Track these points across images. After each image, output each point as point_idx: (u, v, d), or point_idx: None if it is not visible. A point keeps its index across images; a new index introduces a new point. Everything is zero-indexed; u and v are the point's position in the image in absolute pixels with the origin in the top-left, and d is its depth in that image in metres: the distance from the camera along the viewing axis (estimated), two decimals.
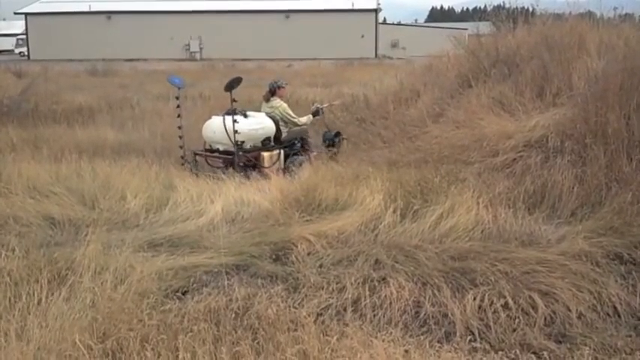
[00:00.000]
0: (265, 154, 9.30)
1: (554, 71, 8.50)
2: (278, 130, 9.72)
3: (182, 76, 11.26)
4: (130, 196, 6.93)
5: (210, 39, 48.73)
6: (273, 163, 9.27)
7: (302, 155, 9.64)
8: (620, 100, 7.04)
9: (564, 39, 9.21)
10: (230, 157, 9.18)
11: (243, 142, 9.20)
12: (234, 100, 9.25)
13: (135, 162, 8.52)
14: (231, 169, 8.89)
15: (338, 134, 10.34)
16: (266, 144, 9.49)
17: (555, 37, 9.40)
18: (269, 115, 9.76)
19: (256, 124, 9.41)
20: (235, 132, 9.00)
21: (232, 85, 9.32)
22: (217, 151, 9.43)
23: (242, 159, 9.12)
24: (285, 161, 9.54)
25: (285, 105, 9.95)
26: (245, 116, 9.42)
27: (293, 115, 9.92)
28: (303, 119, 10.08)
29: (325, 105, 10.97)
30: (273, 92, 10.00)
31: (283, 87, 10.19)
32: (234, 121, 9.01)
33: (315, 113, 10.35)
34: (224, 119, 9.15)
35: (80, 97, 17.65)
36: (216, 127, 9.28)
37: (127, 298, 4.27)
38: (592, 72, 8.02)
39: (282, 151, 9.49)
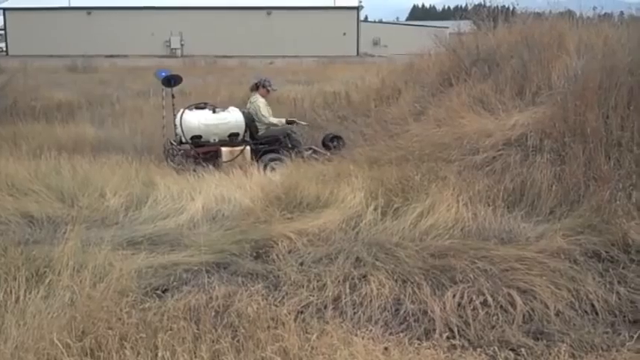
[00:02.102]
0: (224, 149, 9.40)
1: (534, 70, 8.57)
2: (253, 126, 9.83)
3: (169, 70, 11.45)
4: (110, 193, 6.89)
5: (192, 35, 48.43)
6: (233, 158, 9.29)
7: (275, 153, 9.60)
8: (598, 99, 7.12)
9: (544, 38, 9.28)
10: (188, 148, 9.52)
11: (200, 136, 9.44)
12: (173, 96, 9.79)
13: (115, 159, 8.48)
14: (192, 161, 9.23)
15: (335, 138, 10.29)
16: (233, 139, 9.57)
17: (535, 36, 9.46)
18: (248, 110, 9.86)
19: (216, 120, 9.56)
20: (176, 126, 9.54)
21: (169, 80, 9.61)
22: (181, 142, 9.66)
23: (190, 153, 9.37)
24: (254, 157, 9.54)
25: (261, 102, 9.92)
26: (214, 111, 9.65)
27: (264, 113, 9.85)
28: (274, 120, 9.97)
29: (304, 123, 10.68)
30: (256, 87, 10.08)
31: (268, 88, 10.17)
32: (180, 116, 9.48)
33: (290, 122, 10.23)
34: (181, 114, 9.49)
35: (60, 94, 17.49)
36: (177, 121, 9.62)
37: (106, 296, 4.24)
38: (571, 71, 8.09)
39: (247, 147, 9.52)
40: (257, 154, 9.59)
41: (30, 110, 14.22)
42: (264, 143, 9.78)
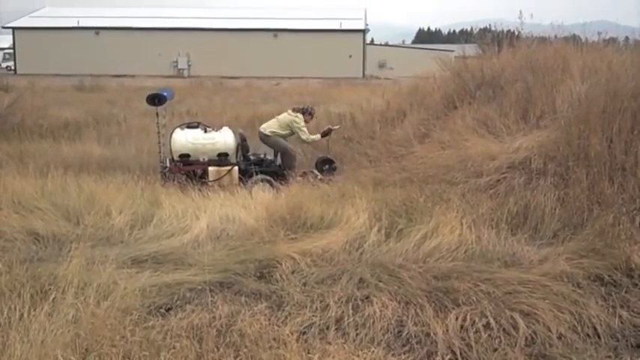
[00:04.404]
0: (211, 169, 9.54)
1: (538, 94, 8.61)
2: (245, 147, 10.05)
3: (171, 89, 11.61)
4: (115, 212, 6.91)
5: (199, 56, 48.86)
6: (220, 178, 9.42)
7: (260, 175, 9.71)
8: (602, 123, 7.14)
9: (548, 62, 9.35)
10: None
11: (188, 154, 9.64)
12: (157, 115, 9.90)
13: (120, 178, 8.51)
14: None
15: (327, 162, 10.37)
16: (222, 159, 9.66)
17: (539, 60, 9.54)
18: (283, 120, 10.18)
19: (204, 139, 9.72)
20: (162, 145, 9.90)
21: (154, 100, 9.81)
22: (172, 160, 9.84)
23: (175, 170, 9.53)
24: (243, 178, 9.67)
25: (302, 122, 10.21)
26: (205, 131, 9.86)
27: (303, 129, 10.18)
28: (312, 137, 10.33)
29: (336, 127, 11.09)
30: (303, 112, 10.35)
31: (312, 114, 10.52)
32: (170, 135, 9.79)
33: (326, 133, 10.52)
34: (171, 133, 9.79)
35: (67, 113, 17.63)
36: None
37: (110, 314, 4.26)
38: (575, 95, 8.13)
39: (235, 168, 9.62)
40: (246, 175, 9.70)
41: (37, 128, 14.36)
42: (255, 164, 9.86)
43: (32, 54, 49.19)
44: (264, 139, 10.26)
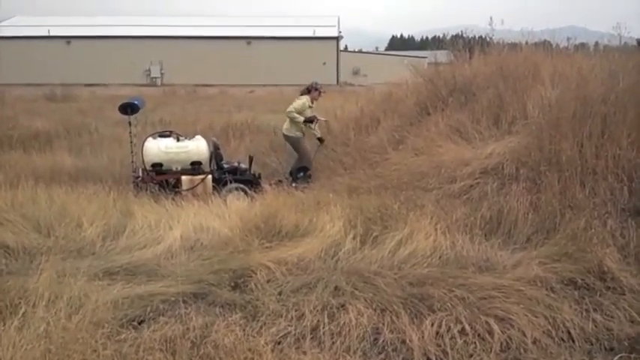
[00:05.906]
0: (184, 178, 9.46)
1: (510, 100, 8.70)
2: (219, 155, 10.05)
3: (141, 97, 11.57)
4: (87, 223, 6.81)
5: (172, 64, 48.57)
6: (193, 187, 9.35)
7: (234, 183, 9.68)
8: (573, 128, 7.22)
9: (519, 68, 9.45)
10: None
11: (161, 164, 9.54)
12: (130, 124, 9.89)
13: (92, 188, 8.40)
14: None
15: (301, 169, 10.41)
16: (196, 168, 9.59)
17: (510, 66, 9.63)
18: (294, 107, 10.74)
19: (177, 148, 9.63)
20: (134, 154, 9.87)
21: (126, 109, 9.79)
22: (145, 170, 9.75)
23: (147, 180, 9.42)
24: (217, 187, 9.63)
25: (302, 102, 10.94)
26: (177, 139, 9.79)
27: (297, 108, 10.85)
28: (296, 114, 10.84)
29: (323, 119, 11.57)
30: (308, 90, 11.12)
31: (319, 90, 11.21)
32: (142, 144, 9.70)
33: (309, 120, 10.95)
34: (143, 142, 9.70)
35: (38, 123, 17.41)
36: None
37: (82, 327, 4.18)
38: (546, 101, 8.22)
39: (209, 177, 9.55)
40: (220, 183, 9.64)
41: (7, 139, 14.15)
42: (229, 172, 9.83)
43: (2, 64, 48.47)
44: (285, 139, 11.15)
